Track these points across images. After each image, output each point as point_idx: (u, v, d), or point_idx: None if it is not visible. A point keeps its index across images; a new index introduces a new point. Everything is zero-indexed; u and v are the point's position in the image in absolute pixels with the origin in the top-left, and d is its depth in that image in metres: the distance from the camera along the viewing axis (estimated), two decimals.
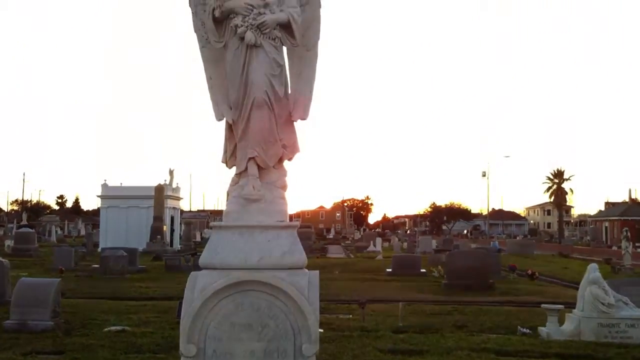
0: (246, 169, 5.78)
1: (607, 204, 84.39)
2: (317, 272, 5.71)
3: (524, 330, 12.18)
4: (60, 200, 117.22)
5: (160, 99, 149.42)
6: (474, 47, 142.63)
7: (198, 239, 54.74)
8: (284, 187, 5.98)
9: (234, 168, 6.00)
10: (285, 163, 6.10)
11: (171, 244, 43.14)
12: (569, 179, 73.10)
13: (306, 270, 5.65)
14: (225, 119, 5.96)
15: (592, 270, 12.04)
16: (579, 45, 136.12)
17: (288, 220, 5.87)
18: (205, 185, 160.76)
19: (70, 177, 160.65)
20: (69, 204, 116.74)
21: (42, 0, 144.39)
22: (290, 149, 6.02)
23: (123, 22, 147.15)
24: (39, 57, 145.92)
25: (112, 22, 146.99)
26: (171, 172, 46.92)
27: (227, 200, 5.95)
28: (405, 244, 50.59)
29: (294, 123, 6.09)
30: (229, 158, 6.03)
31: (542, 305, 12.62)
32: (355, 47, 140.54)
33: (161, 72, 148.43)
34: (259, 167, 5.79)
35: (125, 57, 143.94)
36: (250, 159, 5.75)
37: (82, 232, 69.01)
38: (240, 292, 5.40)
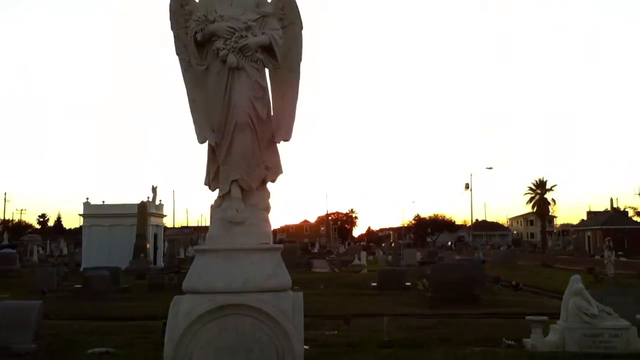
0: (229, 191, 5.79)
1: (589, 213, 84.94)
2: (301, 294, 5.71)
3: (509, 342, 12.20)
4: (42, 219, 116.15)
5: (143, 115, 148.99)
6: (454, 61, 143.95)
7: (182, 256, 54.41)
8: (267, 209, 5.98)
9: (217, 190, 6.01)
10: (269, 184, 6.12)
11: (155, 262, 42.82)
12: (551, 189, 73.57)
13: (290, 292, 5.64)
14: (207, 141, 5.98)
15: (575, 282, 12.11)
16: (559, 57, 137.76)
17: (272, 242, 5.87)
18: (189, 200, 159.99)
19: (52, 196, 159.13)
20: (51, 223, 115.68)
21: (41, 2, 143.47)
22: (273, 170, 6.04)
23: (108, 35, 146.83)
24: (20, 74, 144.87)
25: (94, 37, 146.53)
26: (154, 189, 46.63)
27: (210, 223, 5.95)
28: (390, 257, 50.59)
29: (277, 144, 6.12)
30: (212, 180, 6.03)
31: (527, 317, 12.65)
32: (338, 60, 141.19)
33: (145, 86, 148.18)
34: (242, 189, 5.80)
35: (110, 69, 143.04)
36: (233, 181, 5.76)
37: (65, 252, 68.30)
38: (225, 316, 5.39)
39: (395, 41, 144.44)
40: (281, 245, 5.97)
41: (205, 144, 6.00)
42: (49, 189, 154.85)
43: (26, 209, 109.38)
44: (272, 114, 6.02)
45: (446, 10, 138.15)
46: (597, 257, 45.38)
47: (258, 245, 5.61)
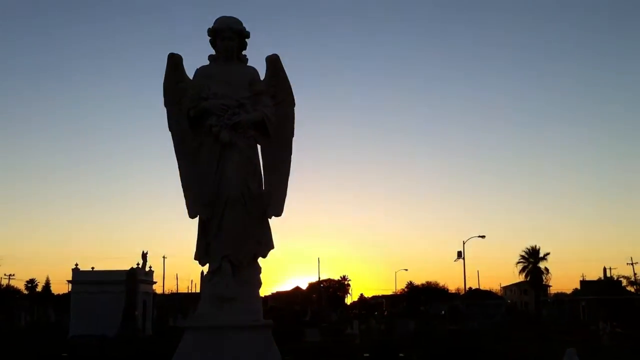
0: (220, 266, 5.74)
1: (582, 282, 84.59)
2: None
3: None
4: (30, 285, 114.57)
5: (134, 181, 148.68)
6: (446, 127, 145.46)
7: (171, 323, 53.58)
8: (258, 284, 5.92)
9: (208, 265, 5.95)
10: (260, 259, 6.07)
11: (143, 329, 42.12)
12: (544, 257, 73.31)
13: None
14: (199, 216, 5.96)
15: (570, 355, 12.01)
16: (551, 127, 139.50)
17: (262, 318, 5.79)
18: (179, 266, 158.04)
19: (41, 260, 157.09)
20: (39, 288, 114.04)
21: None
22: (264, 246, 6.01)
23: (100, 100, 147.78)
24: (7, 137, 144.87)
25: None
26: (144, 256, 46.24)
27: (200, 298, 5.87)
28: (382, 326, 49.95)
29: (269, 219, 6.11)
30: (203, 255, 5.98)
31: None
32: (330, 129, 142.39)
33: (134, 152, 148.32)
34: (232, 264, 5.76)
35: (95, 136, 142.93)
36: (223, 257, 5.73)
37: (53, 318, 67.15)
38: None
39: (386, 109, 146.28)
40: (272, 322, 5.88)
41: (196, 218, 5.98)
42: (38, 254, 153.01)
43: (15, 274, 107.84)
44: (263, 188, 6.04)
45: (439, 82, 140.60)
46: (592, 327, 44.95)
47: (248, 322, 5.53)
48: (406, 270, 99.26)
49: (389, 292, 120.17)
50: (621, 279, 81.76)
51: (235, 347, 5.38)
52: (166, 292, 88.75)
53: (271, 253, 6.13)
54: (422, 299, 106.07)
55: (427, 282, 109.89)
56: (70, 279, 43.99)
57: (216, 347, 5.37)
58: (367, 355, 25.55)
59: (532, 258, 73.13)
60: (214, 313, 5.56)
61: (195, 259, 6.01)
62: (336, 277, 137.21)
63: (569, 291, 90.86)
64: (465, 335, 28.23)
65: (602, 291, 67.86)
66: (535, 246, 73.83)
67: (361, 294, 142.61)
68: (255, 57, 6.40)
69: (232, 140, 5.71)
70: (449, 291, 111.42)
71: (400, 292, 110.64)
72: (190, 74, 6.11)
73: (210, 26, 6.10)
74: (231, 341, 5.41)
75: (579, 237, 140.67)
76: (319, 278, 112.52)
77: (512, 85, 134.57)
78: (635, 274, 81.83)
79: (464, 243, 67.94)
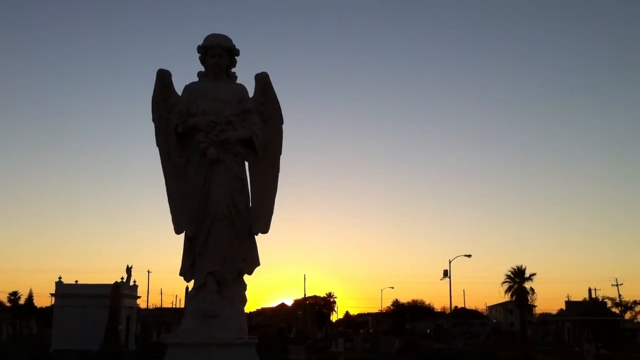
0: (205, 283, 5.73)
1: (567, 302, 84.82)
2: None
3: None
4: (12, 297, 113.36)
5: (119, 194, 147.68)
6: (433, 146, 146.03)
7: (155, 339, 53.13)
8: (243, 301, 5.92)
9: (193, 281, 5.93)
10: (245, 276, 6.06)
11: (126, 345, 41.73)
12: (530, 278, 73.51)
13: None
14: (185, 232, 5.95)
15: None
16: (537, 147, 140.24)
17: (247, 335, 5.77)
18: (164, 280, 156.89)
19: (25, 273, 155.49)
20: (22, 301, 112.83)
21: None
22: (250, 262, 6.01)
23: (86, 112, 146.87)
24: None
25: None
26: (129, 270, 45.91)
27: (184, 315, 5.85)
28: (367, 345, 49.76)
29: (255, 236, 6.11)
30: (188, 271, 5.98)
31: None
32: (317, 144, 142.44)
33: (120, 165, 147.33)
34: (217, 281, 5.75)
35: (81, 149, 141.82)
36: (209, 273, 5.72)
37: (35, 331, 66.42)
38: None
39: (373, 128, 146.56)
40: (256, 339, 5.86)
41: (182, 234, 5.97)
42: (22, 266, 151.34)
43: None
44: (250, 205, 6.04)
45: (426, 100, 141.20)
46: (577, 348, 45.01)
47: (232, 339, 5.52)
48: (392, 288, 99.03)
49: (375, 310, 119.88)
50: (606, 300, 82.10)
51: None
52: (150, 306, 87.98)
53: (257, 270, 6.12)
54: (408, 317, 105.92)
55: (413, 301, 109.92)
56: (53, 292, 43.55)
57: None
58: None
59: (517, 278, 73.27)
60: (198, 330, 5.55)
61: (181, 274, 6.00)
62: (322, 294, 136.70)
63: (554, 311, 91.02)
64: (450, 354, 28.17)
65: (587, 312, 68.02)
66: (521, 266, 73.96)
67: (347, 312, 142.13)
68: (244, 74, 6.43)
69: (220, 157, 5.73)
70: (435, 310, 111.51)
71: (386, 310, 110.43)
72: (179, 90, 6.12)
73: (200, 43, 6.13)
74: (215, 358, 5.38)
75: (565, 258, 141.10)
76: (305, 295, 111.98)
77: (499, 106, 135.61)
78: (620, 295, 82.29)
79: (450, 262, 67.97)
